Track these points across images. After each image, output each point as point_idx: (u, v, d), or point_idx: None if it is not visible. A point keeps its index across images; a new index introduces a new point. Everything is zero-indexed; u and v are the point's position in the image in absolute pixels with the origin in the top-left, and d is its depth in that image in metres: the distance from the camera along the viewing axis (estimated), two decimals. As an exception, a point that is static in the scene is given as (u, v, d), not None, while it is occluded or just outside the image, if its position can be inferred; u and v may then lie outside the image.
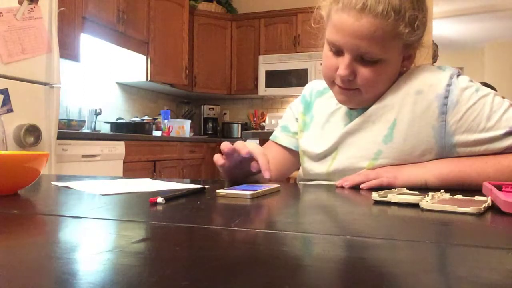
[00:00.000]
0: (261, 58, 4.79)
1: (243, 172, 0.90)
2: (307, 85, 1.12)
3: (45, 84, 2.29)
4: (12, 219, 0.49)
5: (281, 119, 1.14)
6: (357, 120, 0.91)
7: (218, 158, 0.89)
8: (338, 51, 0.86)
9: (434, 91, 0.84)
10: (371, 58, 0.83)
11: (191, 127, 4.46)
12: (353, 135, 0.92)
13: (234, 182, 0.87)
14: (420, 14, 0.84)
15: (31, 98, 2.21)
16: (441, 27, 6.59)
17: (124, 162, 3.07)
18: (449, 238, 0.43)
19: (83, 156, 2.68)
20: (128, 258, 0.33)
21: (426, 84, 0.86)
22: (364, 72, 0.85)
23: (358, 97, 0.89)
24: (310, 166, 1.00)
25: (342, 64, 0.85)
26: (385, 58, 0.84)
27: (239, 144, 0.85)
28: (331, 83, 0.91)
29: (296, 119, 1.09)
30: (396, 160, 0.86)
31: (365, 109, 0.92)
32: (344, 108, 0.99)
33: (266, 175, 0.82)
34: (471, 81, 0.86)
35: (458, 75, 0.86)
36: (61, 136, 2.45)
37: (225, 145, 0.86)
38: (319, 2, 0.91)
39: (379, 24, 0.80)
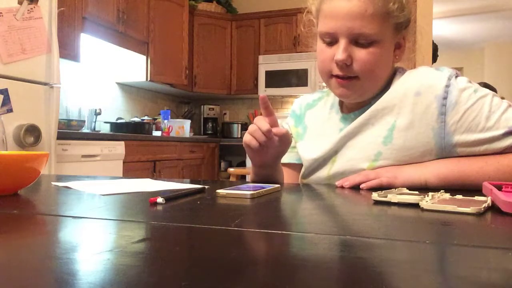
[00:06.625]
0: (261, 58, 4.79)
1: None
2: (295, 101, 1.14)
3: (45, 84, 2.29)
4: (12, 219, 0.49)
5: None
6: (355, 123, 0.92)
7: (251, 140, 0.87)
8: (332, 41, 0.88)
9: (432, 92, 0.85)
10: (365, 40, 0.85)
11: (191, 127, 4.46)
12: (352, 137, 0.92)
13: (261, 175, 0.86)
14: None
15: (31, 98, 2.21)
16: (441, 27, 6.59)
17: (124, 162, 3.07)
18: (449, 238, 0.43)
19: (83, 156, 2.68)
20: (128, 258, 0.33)
21: (425, 86, 0.86)
22: (360, 55, 0.86)
23: (357, 86, 0.89)
24: (310, 172, 1.00)
25: (338, 49, 0.86)
26: (378, 40, 0.86)
27: (260, 124, 0.86)
28: (328, 77, 0.91)
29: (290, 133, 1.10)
30: (396, 162, 0.87)
31: (361, 112, 0.92)
32: (337, 115, 0.99)
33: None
34: (470, 82, 0.86)
35: (456, 76, 0.87)
36: (61, 136, 2.45)
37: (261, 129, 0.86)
38: (307, 4, 0.94)
39: (369, 1, 0.83)
